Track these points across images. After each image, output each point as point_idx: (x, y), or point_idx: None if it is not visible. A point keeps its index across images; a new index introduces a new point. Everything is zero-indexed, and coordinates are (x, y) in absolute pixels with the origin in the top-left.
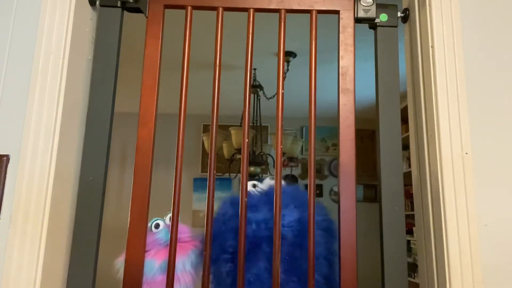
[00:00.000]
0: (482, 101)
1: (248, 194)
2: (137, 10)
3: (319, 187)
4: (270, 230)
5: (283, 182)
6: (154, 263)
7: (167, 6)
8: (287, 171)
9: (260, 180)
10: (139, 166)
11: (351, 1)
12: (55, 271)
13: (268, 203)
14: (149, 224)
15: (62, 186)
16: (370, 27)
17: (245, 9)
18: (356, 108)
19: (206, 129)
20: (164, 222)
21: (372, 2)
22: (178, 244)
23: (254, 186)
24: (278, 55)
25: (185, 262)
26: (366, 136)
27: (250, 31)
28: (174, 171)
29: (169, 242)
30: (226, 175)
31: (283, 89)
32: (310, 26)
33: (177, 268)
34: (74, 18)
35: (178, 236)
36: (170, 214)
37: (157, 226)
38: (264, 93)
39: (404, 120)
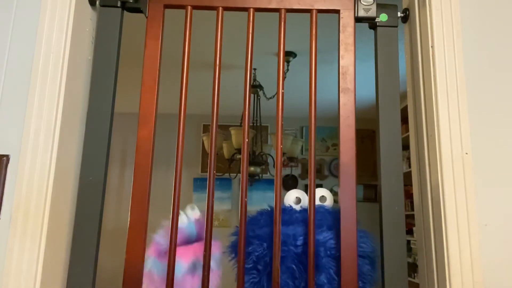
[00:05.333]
0: (482, 101)
1: (288, 208)
2: (137, 10)
3: (319, 187)
4: (296, 247)
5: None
6: (183, 264)
7: (167, 6)
8: (287, 171)
9: (259, 180)
10: (139, 166)
11: (351, 0)
12: (55, 271)
13: (303, 223)
14: (182, 216)
15: (62, 186)
16: (370, 27)
17: (245, 9)
18: (356, 108)
19: (206, 129)
20: (187, 214)
21: (373, 2)
22: (202, 243)
23: (298, 202)
24: (278, 55)
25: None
26: (366, 136)
27: (250, 31)
28: (174, 171)
29: (196, 238)
30: (226, 175)
31: (283, 89)
32: (310, 25)
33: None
34: (74, 18)
35: (202, 233)
36: (192, 208)
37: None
38: (264, 93)
39: (404, 120)
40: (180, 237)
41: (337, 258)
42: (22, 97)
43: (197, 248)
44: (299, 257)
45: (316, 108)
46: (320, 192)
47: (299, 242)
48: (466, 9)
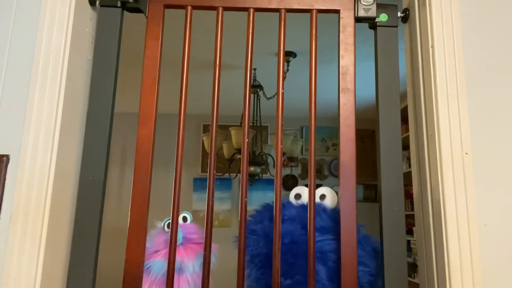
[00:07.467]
0: (482, 101)
1: (286, 204)
2: (137, 10)
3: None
4: (283, 245)
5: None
6: (164, 263)
7: (167, 6)
8: (287, 171)
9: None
10: (139, 166)
11: (351, 0)
12: (55, 271)
13: (303, 218)
14: (161, 224)
15: (62, 186)
16: (370, 27)
17: (245, 9)
18: (356, 108)
19: (206, 129)
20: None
21: (373, 2)
22: (188, 246)
23: (297, 197)
24: (278, 55)
25: (194, 264)
26: (366, 136)
27: (250, 31)
28: (174, 171)
29: (181, 242)
30: (226, 175)
31: (283, 89)
32: (310, 25)
33: (187, 269)
34: (74, 18)
35: (189, 237)
36: (183, 214)
37: (169, 226)
38: (264, 93)
39: (404, 120)
40: (166, 240)
41: (324, 262)
42: (22, 97)
43: (182, 250)
44: (283, 255)
45: (316, 108)
46: (321, 190)
47: (286, 241)
48: (466, 9)
